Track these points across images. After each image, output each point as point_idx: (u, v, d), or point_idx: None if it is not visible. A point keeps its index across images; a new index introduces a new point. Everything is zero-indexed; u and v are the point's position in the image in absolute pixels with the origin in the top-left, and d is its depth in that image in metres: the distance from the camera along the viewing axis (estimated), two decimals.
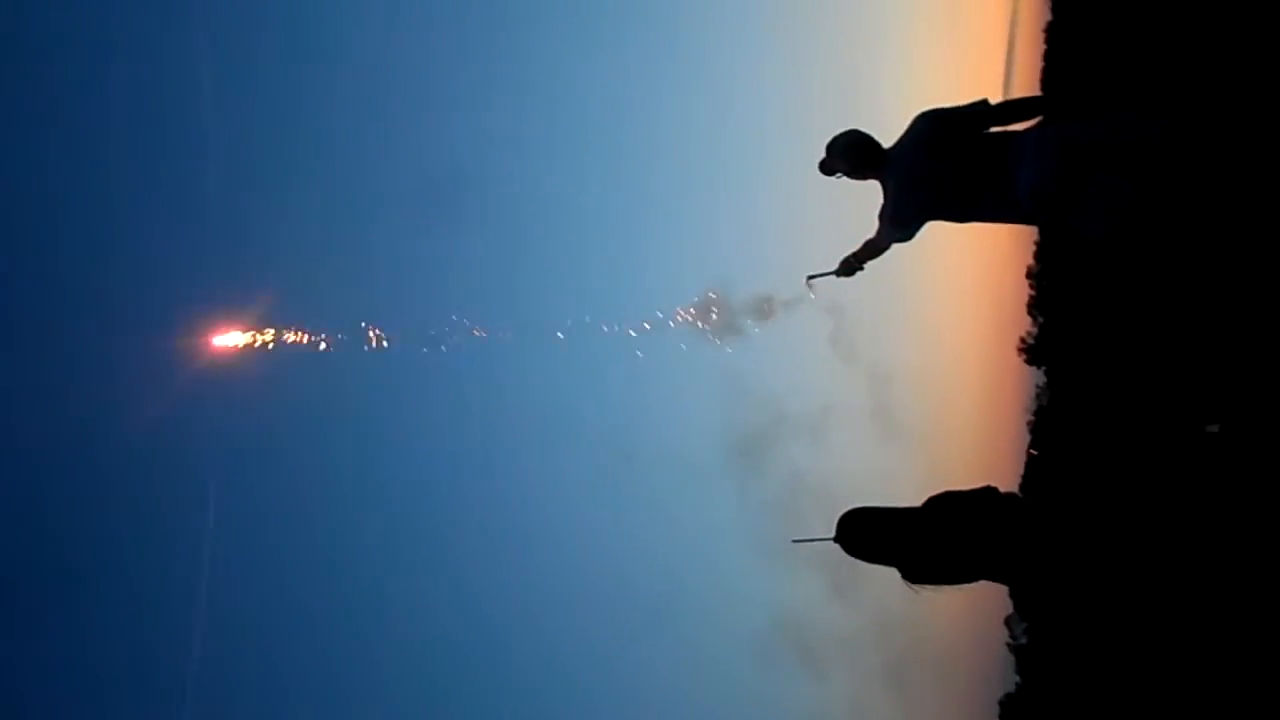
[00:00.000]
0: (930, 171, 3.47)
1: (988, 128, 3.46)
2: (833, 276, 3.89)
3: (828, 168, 3.70)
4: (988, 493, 3.25)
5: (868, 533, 3.26)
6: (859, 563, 3.32)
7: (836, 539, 3.29)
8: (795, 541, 3.52)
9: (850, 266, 3.84)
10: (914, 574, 3.19)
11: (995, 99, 3.49)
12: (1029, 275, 35.92)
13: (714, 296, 3.90)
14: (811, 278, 3.92)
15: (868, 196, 3.73)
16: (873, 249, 3.77)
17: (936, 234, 3.79)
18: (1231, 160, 3.19)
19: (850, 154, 3.63)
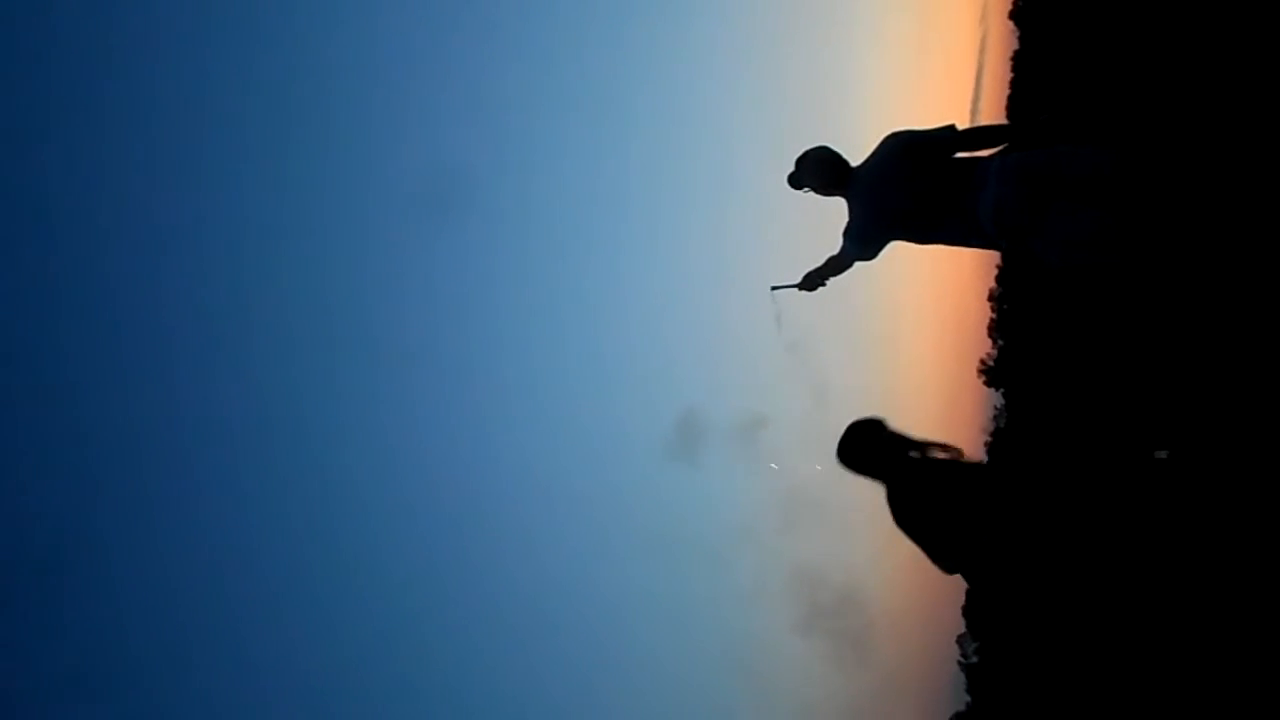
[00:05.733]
0: (895, 192, 3.51)
1: (954, 153, 3.51)
2: (795, 289, 3.92)
3: (796, 182, 3.74)
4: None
5: (869, 443, 3.28)
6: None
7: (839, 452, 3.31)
8: (774, 289, 3.90)
9: (813, 281, 3.87)
10: (899, 508, 3.19)
11: (963, 125, 3.54)
12: (991, 298, 36.45)
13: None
14: (775, 288, 3.94)
15: (834, 213, 3.77)
16: (836, 265, 3.80)
17: (901, 256, 3.83)
18: (1183, 191, 3.26)
19: (818, 170, 3.67)
